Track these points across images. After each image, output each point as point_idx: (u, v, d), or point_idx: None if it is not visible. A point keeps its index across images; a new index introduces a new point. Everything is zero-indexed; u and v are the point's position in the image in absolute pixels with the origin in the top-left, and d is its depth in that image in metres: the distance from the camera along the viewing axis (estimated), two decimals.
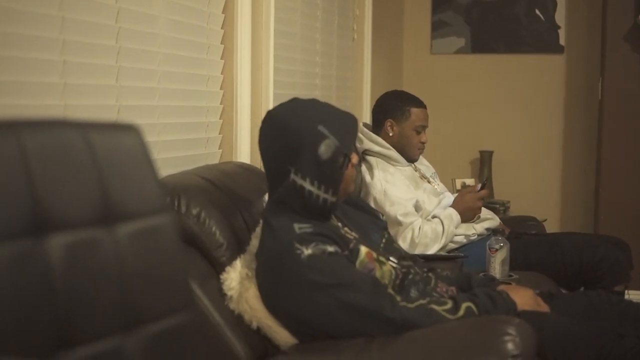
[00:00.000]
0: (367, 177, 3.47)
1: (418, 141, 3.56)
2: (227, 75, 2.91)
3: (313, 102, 2.24)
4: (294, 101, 2.24)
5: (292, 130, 2.13)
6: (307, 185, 2.13)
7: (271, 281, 2.13)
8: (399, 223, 3.30)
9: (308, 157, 2.11)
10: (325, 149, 2.11)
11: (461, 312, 2.06)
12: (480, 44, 5.26)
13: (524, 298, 2.22)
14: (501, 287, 2.31)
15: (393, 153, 3.53)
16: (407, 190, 3.44)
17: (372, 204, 3.33)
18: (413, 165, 3.63)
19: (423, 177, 3.61)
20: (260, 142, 2.22)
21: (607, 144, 4.66)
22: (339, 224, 2.29)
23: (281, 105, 2.25)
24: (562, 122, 5.16)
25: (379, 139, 3.56)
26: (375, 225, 2.46)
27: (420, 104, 3.60)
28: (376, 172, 3.46)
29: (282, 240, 2.11)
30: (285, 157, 2.14)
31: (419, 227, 3.29)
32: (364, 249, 2.21)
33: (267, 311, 2.15)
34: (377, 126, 3.64)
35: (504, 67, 5.23)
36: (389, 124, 3.57)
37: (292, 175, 2.13)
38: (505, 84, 5.24)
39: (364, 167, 3.53)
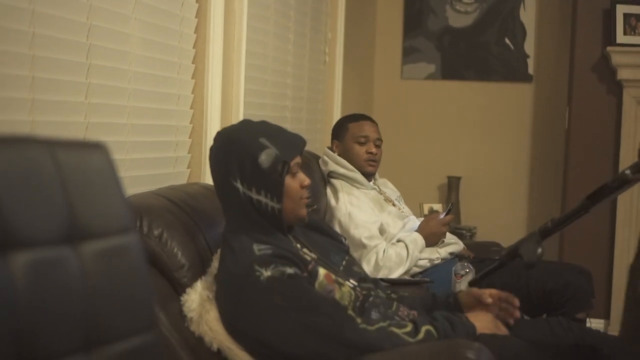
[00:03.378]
0: (332, 201, 3.49)
1: (363, 152, 3.60)
2: (197, 95, 2.91)
3: (261, 122, 2.32)
4: (243, 121, 2.35)
5: (236, 145, 2.21)
6: (254, 195, 2.18)
7: (231, 303, 2.12)
8: (363, 246, 3.31)
9: (250, 167, 2.17)
10: (265, 157, 2.17)
11: (421, 336, 2.07)
12: (450, 71, 5.30)
13: (483, 322, 2.23)
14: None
15: (357, 175, 3.57)
16: (372, 213, 3.46)
17: (337, 228, 3.35)
18: (377, 188, 3.65)
19: (388, 200, 3.63)
20: (210, 162, 2.29)
21: (573, 172, 4.71)
22: (298, 245, 2.30)
23: (230, 125, 2.35)
24: (529, 149, 5.21)
25: (344, 161, 3.60)
26: (337, 247, 2.46)
27: (358, 118, 3.69)
28: (341, 195, 3.48)
29: (242, 262, 2.12)
30: (231, 171, 2.20)
31: (384, 251, 3.30)
32: (322, 271, 2.21)
33: (228, 333, 2.14)
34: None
35: (473, 94, 5.28)
36: (334, 145, 3.68)
37: (240, 187, 2.18)
38: (474, 110, 5.29)
39: (329, 191, 3.56)
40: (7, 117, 1.90)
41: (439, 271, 3.34)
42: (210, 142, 2.91)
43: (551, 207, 5.08)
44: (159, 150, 2.71)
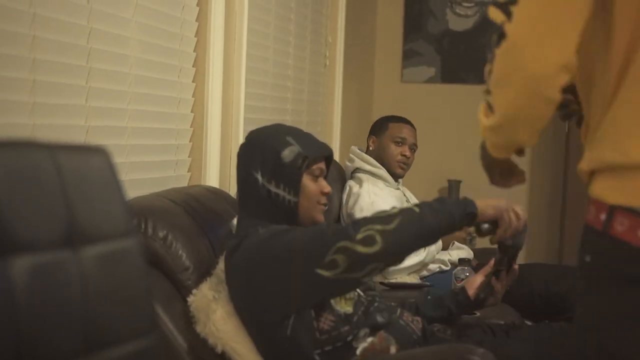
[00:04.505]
0: (356, 188, 3.58)
1: (397, 153, 3.68)
2: (197, 98, 2.91)
3: (293, 127, 2.40)
4: (276, 123, 2.42)
5: (263, 141, 2.28)
6: (273, 188, 2.23)
7: (244, 275, 2.15)
8: None
9: (272, 161, 2.23)
10: (288, 153, 2.23)
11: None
12: (450, 74, 5.30)
13: None
14: None
15: (383, 173, 3.66)
16: (395, 205, 3.51)
17: (357, 214, 3.39)
18: (402, 189, 3.71)
19: (409, 202, 3.70)
20: (237, 156, 2.34)
21: (573, 175, 4.70)
22: None
23: (264, 126, 2.40)
24: (529, 153, 5.20)
25: (370, 159, 3.69)
26: None
27: (400, 119, 3.79)
28: (365, 185, 3.58)
29: (245, 232, 2.19)
30: (254, 163, 2.25)
31: None
32: None
33: (240, 322, 2.17)
34: (367, 150, 3.81)
35: (474, 97, 5.24)
36: (371, 140, 3.78)
37: (259, 179, 2.23)
38: (474, 114, 5.26)
39: (352, 182, 3.68)
40: (8, 120, 1.89)
41: (446, 277, 3.35)
42: (210, 145, 2.93)
43: (551, 211, 5.08)
44: (160, 153, 2.71)
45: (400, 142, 3.69)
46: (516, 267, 2.39)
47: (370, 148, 3.75)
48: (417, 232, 2.06)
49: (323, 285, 2.07)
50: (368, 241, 2.00)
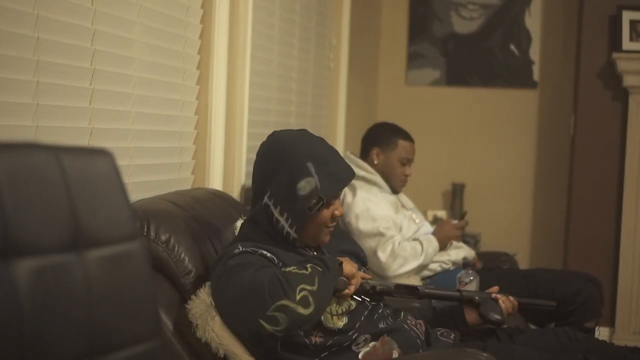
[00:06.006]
0: (348, 198, 3.49)
1: (402, 173, 3.63)
2: (201, 101, 2.91)
3: (319, 141, 2.25)
4: (302, 131, 2.28)
5: (282, 157, 2.16)
6: (276, 214, 2.16)
7: (215, 288, 2.14)
8: (381, 234, 3.36)
9: (286, 187, 2.14)
10: (304, 185, 2.13)
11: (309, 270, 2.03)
12: (455, 77, 5.29)
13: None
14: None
15: (377, 179, 3.59)
16: (390, 210, 3.49)
17: (353, 222, 3.37)
18: (396, 195, 3.68)
19: (404, 207, 3.66)
20: (257, 157, 2.26)
21: (578, 179, 4.69)
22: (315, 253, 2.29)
23: (289, 130, 2.28)
24: (534, 156, 5.19)
25: (365, 165, 3.61)
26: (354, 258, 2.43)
27: (408, 137, 3.67)
28: (359, 192, 3.50)
29: (225, 250, 2.17)
30: (267, 179, 2.17)
31: (399, 242, 3.37)
32: None
33: (233, 336, 2.14)
34: (364, 154, 3.70)
35: (478, 100, 5.27)
36: (375, 152, 3.64)
37: (266, 199, 2.16)
38: (479, 117, 5.28)
39: (346, 189, 3.56)
40: (11, 122, 1.89)
41: (450, 276, 3.34)
42: (214, 148, 2.92)
43: (556, 214, 5.07)
44: (163, 156, 2.71)
45: (407, 163, 3.63)
46: (512, 302, 2.41)
47: (375, 162, 3.62)
48: (329, 293, 2.06)
49: (266, 336, 2.04)
50: (305, 302, 1.98)
